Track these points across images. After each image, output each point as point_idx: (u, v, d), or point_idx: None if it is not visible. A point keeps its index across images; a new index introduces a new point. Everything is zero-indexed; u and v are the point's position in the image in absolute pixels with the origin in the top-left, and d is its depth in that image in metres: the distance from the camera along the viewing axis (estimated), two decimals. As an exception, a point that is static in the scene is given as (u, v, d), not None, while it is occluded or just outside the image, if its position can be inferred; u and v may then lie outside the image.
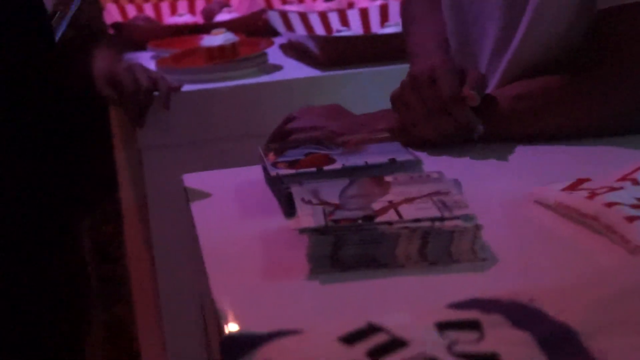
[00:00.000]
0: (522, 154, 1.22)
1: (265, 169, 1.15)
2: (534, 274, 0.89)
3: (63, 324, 1.56)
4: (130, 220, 2.53)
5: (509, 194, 1.08)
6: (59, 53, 1.54)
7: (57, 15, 1.51)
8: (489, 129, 1.22)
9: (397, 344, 0.66)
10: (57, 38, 1.52)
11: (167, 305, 2.02)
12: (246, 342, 0.69)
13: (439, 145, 1.23)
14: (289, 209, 1.04)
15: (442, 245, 0.92)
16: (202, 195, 1.17)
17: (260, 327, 0.70)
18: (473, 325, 0.68)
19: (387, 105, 1.28)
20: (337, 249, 0.92)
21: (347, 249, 0.92)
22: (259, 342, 0.68)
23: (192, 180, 1.22)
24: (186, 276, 1.45)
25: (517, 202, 1.06)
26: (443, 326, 0.68)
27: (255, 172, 1.20)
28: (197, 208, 1.13)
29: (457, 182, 1.03)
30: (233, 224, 1.07)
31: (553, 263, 0.92)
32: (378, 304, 0.86)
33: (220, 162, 1.29)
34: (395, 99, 1.24)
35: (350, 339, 0.67)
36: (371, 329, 0.67)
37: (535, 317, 0.69)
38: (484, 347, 0.66)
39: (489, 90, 1.26)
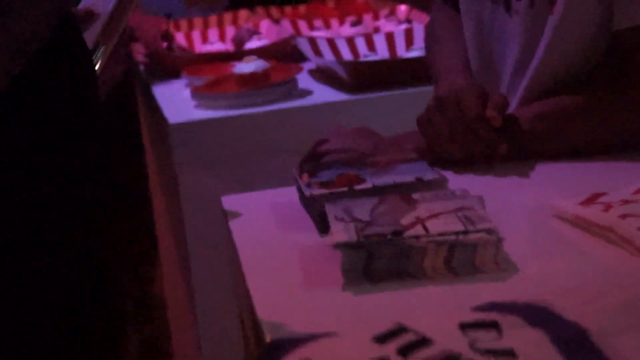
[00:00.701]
0: (543, 169, 1.28)
1: (299, 190, 1.22)
2: (552, 282, 0.96)
3: (96, 345, 1.57)
4: (165, 239, 2.61)
5: (529, 208, 1.16)
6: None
7: (99, 50, 1.59)
8: (511, 147, 1.28)
9: (423, 342, 0.74)
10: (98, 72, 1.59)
11: (204, 324, 2.08)
12: (287, 344, 0.77)
13: (463, 164, 1.29)
14: (323, 227, 1.12)
15: (466, 257, 1.00)
16: (240, 214, 1.24)
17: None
18: (492, 326, 0.76)
19: (413, 127, 1.35)
20: (369, 262, 1.00)
21: (378, 262, 1.00)
22: (299, 343, 0.76)
23: (230, 201, 1.29)
24: (223, 295, 1.51)
25: (537, 215, 1.13)
26: (465, 326, 0.76)
27: (289, 193, 1.27)
28: (236, 226, 1.20)
29: (480, 199, 1.10)
30: (271, 241, 1.15)
31: (570, 272, 0.99)
32: (407, 310, 0.93)
33: (253, 182, 1.37)
34: (422, 120, 1.31)
35: (382, 338, 0.75)
36: (400, 330, 0.75)
37: (551, 318, 0.76)
38: (503, 344, 0.74)
39: (510, 109, 1.33)
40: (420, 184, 1.17)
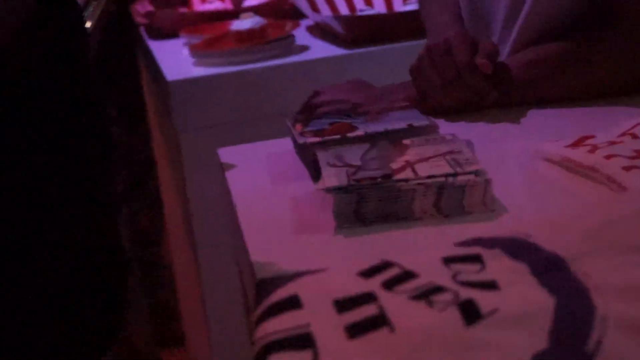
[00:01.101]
0: (532, 116, 1.30)
1: (293, 139, 1.25)
2: (537, 219, 0.99)
3: (103, 312, 1.60)
4: (170, 203, 2.64)
5: (518, 152, 1.18)
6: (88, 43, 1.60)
7: (90, 7, 1.60)
8: (501, 95, 1.31)
9: (408, 275, 0.77)
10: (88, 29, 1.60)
11: (210, 286, 2.11)
12: (275, 282, 0.80)
13: (454, 112, 1.32)
14: (316, 174, 1.14)
15: (455, 198, 1.03)
16: (236, 165, 1.28)
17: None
18: (475, 259, 0.79)
19: (408, 78, 1.38)
20: (360, 206, 1.03)
21: (369, 205, 1.03)
22: (287, 281, 0.79)
23: (227, 153, 1.33)
24: (227, 257, 1.51)
25: (525, 159, 1.15)
26: (449, 260, 0.79)
27: (284, 144, 1.30)
28: (232, 177, 1.23)
29: (469, 143, 1.13)
30: (266, 189, 1.18)
31: (557, 211, 1.02)
32: (395, 249, 0.96)
33: (252, 138, 1.38)
34: (414, 70, 1.34)
35: (367, 273, 0.78)
36: (385, 265, 0.78)
37: (531, 250, 0.79)
38: (485, 276, 0.76)
39: (501, 59, 1.35)
40: (411, 131, 1.20)
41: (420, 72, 1.32)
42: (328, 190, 1.03)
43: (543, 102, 1.32)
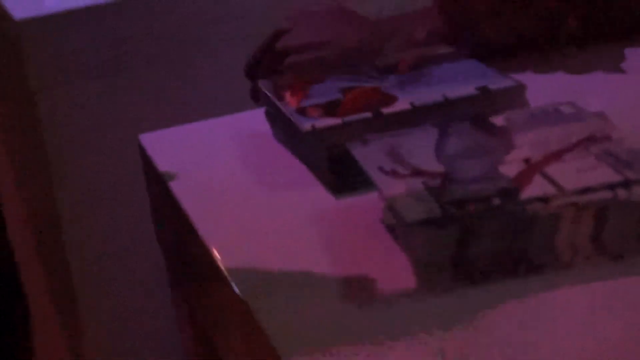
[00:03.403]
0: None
1: (279, 118, 0.85)
2: None
3: None
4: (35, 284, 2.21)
5: None
6: None
7: None
8: (585, 21, 1.01)
9: None
10: None
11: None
12: None
13: (511, 52, 1.00)
14: (339, 182, 0.76)
15: (629, 225, 0.65)
16: (175, 164, 0.89)
17: None
18: None
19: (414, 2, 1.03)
20: (463, 247, 0.63)
21: (480, 246, 0.63)
22: None
23: (154, 143, 0.95)
24: None
25: None
26: None
27: (247, 121, 0.94)
28: (177, 186, 0.84)
29: (604, 117, 0.74)
30: (240, 213, 0.78)
31: None
32: (540, 334, 0.58)
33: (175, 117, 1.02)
34: None
35: None
36: None
37: None
38: None
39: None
40: (487, 98, 0.82)
41: (454, -8, 1.00)
42: (412, 224, 0.62)
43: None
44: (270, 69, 1.02)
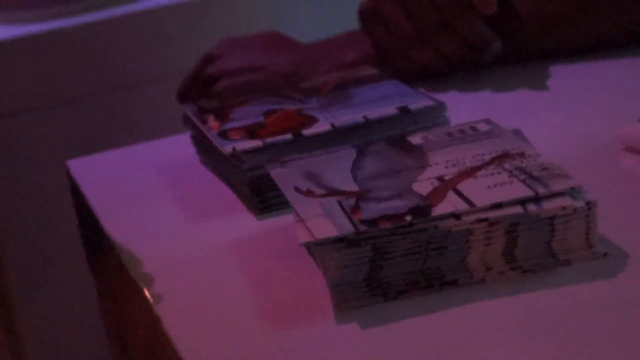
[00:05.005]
0: (563, 75, 1.01)
1: (203, 142, 0.88)
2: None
3: None
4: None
5: (579, 139, 0.85)
6: None
7: None
8: (507, 45, 1.04)
9: None
10: None
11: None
12: None
13: (437, 75, 1.03)
14: (260, 203, 0.80)
15: (539, 241, 0.67)
16: (103, 192, 0.92)
17: None
18: None
19: (344, 27, 1.09)
20: (377, 268, 0.66)
21: (394, 264, 0.66)
22: None
23: (82, 171, 0.98)
24: None
25: (601, 152, 0.82)
26: None
27: (175, 146, 0.97)
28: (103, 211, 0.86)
29: (518, 134, 0.77)
30: (158, 242, 0.81)
31: None
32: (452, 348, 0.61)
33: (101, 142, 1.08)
34: (367, 13, 1.03)
35: None
36: None
37: None
38: None
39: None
40: (406, 118, 0.85)
41: (379, 16, 1.02)
42: (320, 243, 0.65)
43: (564, 52, 1.06)
44: (199, 94, 1.05)
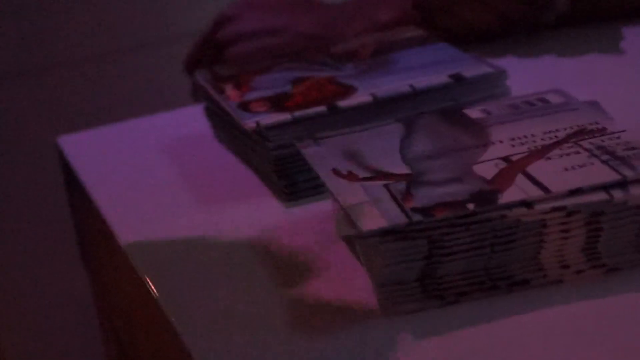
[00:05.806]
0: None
1: (219, 115, 0.82)
2: None
3: None
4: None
5: None
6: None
7: None
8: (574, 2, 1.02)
9: None
10: None
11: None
12: None
13: (493, 36, 1.02)
14: (290, 187, 0.76)
15: (626, 233, 0.63)
16: (100, 173, 0.88)
17: None
18: None
19: None
20: (432, 265, 0.60)
21: (453, 262, 0.61)
22: None
23: (72, 145, 0.94)
24: None
25: None
26: None
27: (185, 121, 0.92)
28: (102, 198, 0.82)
29: (595, 105, 0.72)
30: (164, 232, 0.76)
31: None
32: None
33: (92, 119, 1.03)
34: None
35: None
36: None
37: None
38: None
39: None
40: (461, 87, 0.80)
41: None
42: (365, 236, 0.59)
43: (634, 12, 1.03)
44: (211, 62, 1.00)
